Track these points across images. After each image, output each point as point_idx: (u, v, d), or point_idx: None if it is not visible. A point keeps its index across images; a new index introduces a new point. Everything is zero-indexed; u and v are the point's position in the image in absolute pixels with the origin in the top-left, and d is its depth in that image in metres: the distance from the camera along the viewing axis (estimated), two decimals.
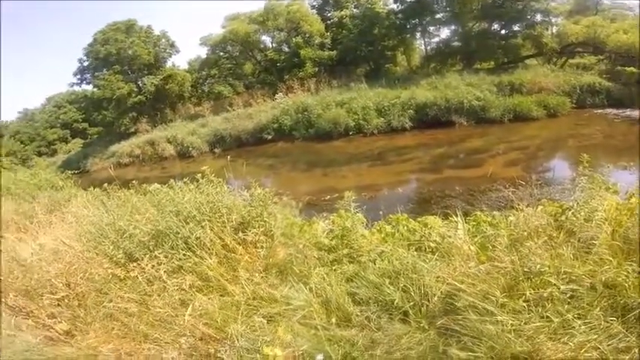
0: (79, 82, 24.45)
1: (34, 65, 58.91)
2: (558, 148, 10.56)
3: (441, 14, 21.49)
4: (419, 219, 3.79)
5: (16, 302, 2.79)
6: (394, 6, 22.39)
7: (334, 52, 22.93)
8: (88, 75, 23.83)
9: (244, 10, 24.98)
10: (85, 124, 31.36)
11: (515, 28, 20.04)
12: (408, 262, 2.53)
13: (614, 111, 13.59)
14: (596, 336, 1.87)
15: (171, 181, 3.97)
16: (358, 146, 13.16)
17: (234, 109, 19.20)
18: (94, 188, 5.66)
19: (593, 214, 2.55)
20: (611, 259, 2.25)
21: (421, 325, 2.16)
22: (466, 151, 10.60)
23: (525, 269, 2.19)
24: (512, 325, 1.96)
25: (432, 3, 21.07)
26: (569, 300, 2.07)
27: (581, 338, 1.86)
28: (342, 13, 23.97)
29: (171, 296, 2.52)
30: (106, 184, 4.93)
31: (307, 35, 23.09)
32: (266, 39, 25.63)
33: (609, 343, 1.84)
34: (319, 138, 14.72)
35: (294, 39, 23.18)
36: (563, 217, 2.59)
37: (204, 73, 27.50)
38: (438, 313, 2.17)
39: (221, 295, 2.62)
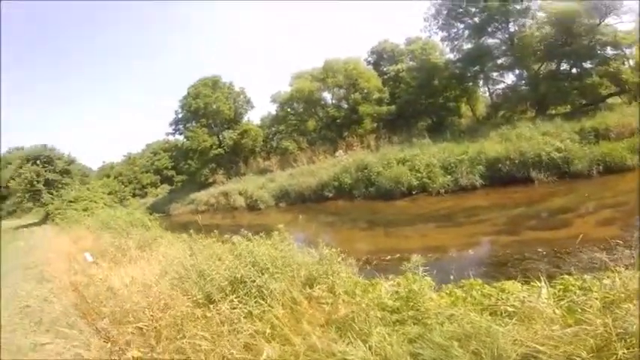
0: (174, 132, 28.44)
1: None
2: None
3: (503, 59, 20.67)
4: (495, 284, 3.54)
5: (101, 325, 3.22)
6: (451, 55, 22.31)
7: (393, 107, 23.32)
8: (181, 126, 27.55)
9: (307, 67, 26.48)
10: (173, 172, 35.71)
11: (588, 65, 18.04)
12: (481, 326, 2.34)
13: None
14: None
15: (245, 231, 4.47)
16: (423, 206, 12.63)
17: (298, 165, 20.56)
18: (180, 233, 6.44)
19: None
20: None
21: None
22: (548, 211, 9.37)
23: (619, 330, 1.95)
24: None
25: (492, 48, 20.50)
26: None
27: None
28: (398, 67, 24.80)
29: (238, 339, 2.66)
30: (191, 230, 5.60)
31: (365, 91, 24.00)
32: (327, 96, 26.97)
33: None
34: (380, 197, 14.59)
35: (352, 95, 24.22)
36: None
37: (273, 129, 29.81)
38: None
39: (282, 344, 2.68)
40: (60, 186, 24.63)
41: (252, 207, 18.50)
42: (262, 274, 3.35)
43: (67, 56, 65.85)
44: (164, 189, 34.30)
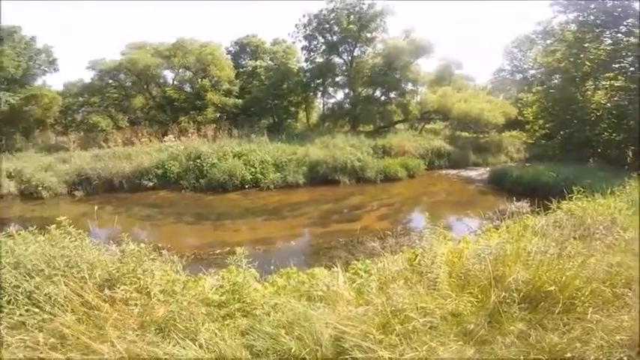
0: None
1: None
2: (416, 203, 13.07)
3: (340, 77, 24.29)
4: (308, 271, 4.11)
5: None
6: (304, 64, 24.48)
7: (240, 101, 23.18)
8: None
9: (152, 41, 23.06)
10: None
11: (392, 95, 23.58)
12: (300, 312, 2.68)
13: (452, 172, 17.74)
14: None
15: (11, 228, 3.59)
16: (254, 200, 13.11)
17: (109, 146, 16.65)
18: None
19: (435, 258, 3.33)
20: (450, 292, 2.90)
21: None
22: (348, 207, 11.93)
23: (392, 308, 2.60)
24: (390, 358, 2.19)
25: (336, 66, 23.74)
26: (429, 330, 2.42)
27: None
28: (257, 63, 24.93)
29: (13, 354, 2.27)
30: None
31: (215, 79, 22.95)
32: (168, 75, 24.36)
33: None
34: (211, 189, 14.08)
35: (199, 80, 22.67)
36: (415, 262, 3.28)
37: (81, 99, 23.67)
38: (330, 356, 2.32)
39: (84, 354, 2.36)
40: None
41: (30, 195, 13.46)
42: (31, 277, 2.87)
43: None
44: None
